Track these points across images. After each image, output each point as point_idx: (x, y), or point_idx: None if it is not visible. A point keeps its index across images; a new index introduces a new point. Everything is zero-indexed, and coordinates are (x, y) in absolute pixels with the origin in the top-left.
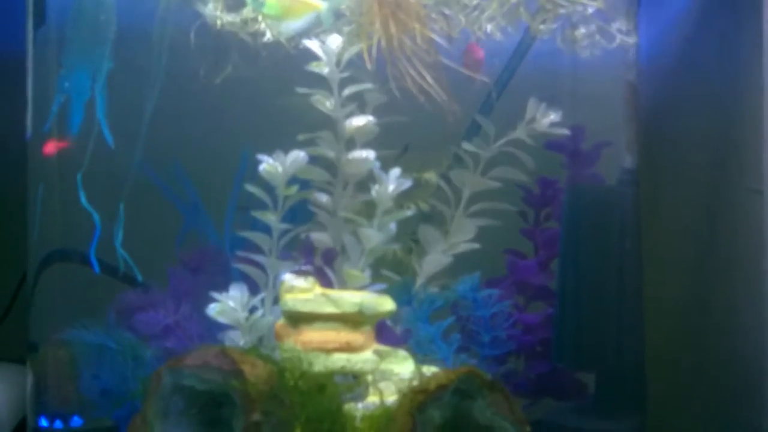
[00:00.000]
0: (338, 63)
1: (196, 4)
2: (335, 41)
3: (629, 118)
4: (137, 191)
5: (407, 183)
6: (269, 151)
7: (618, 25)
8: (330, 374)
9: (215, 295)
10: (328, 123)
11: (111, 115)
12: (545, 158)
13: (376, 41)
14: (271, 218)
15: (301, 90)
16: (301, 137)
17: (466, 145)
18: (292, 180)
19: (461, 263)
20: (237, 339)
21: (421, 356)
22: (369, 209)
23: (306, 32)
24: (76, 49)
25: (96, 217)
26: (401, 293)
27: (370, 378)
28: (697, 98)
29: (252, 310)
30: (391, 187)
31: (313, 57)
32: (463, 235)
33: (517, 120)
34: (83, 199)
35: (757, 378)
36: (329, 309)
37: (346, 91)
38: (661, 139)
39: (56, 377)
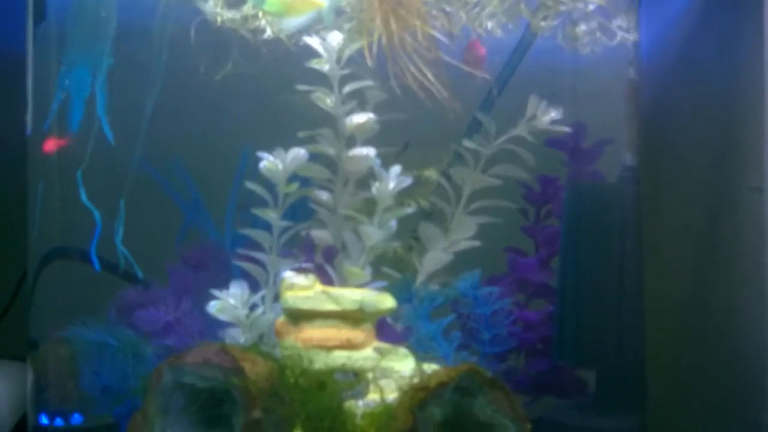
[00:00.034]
0: (339, 60)
1: (196, 0)
2: (336, 38)
3: (630, 115)
4: (138, 188)
5: (408, 180)
6: (270, 149)
7: (619, 22)
8: (330, 371)
9: (216, 292)
10: (329, 120)
11: (111, 112)
12: (546, 155)
13: (376, 38)
14: (271, 215)
15: (301, 87)
16: (301, 134)
17: (467, 143)
18: (293, 177)
19: (462, 261)
20: (237, 336)
21: (421, 354)
22: (369, 207)
23: (306, 29)
24: (77, 46)
25: (96, 214)
26: (402, 291)
27: (370, 375)
28: (698, 96)
29: (252, 308)
30: (391, 185)
31: (313, 54)
32: (463, 233)
33: (518, 117)
34: (83, 197)
35: (757, 376)
36: (330, 306)
37: (347, 89)
38: (661, 137)
39: (57, 374)
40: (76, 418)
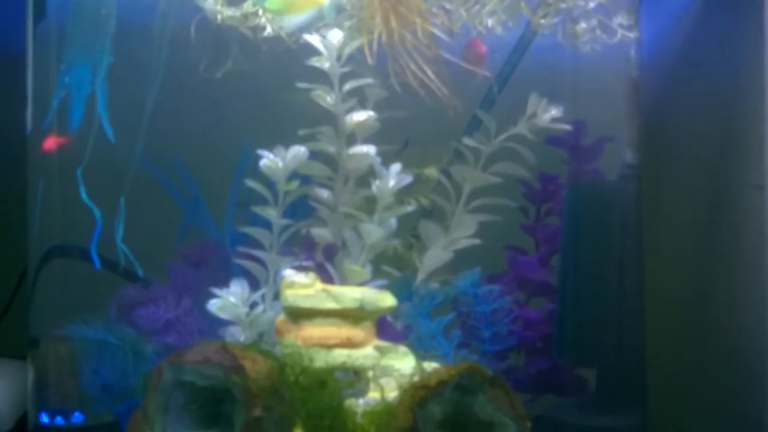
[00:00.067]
0: (339, 58)
1: None
2: (336, 36)
3: (630, 113)
4: (138, 186)
5: (408, 178)
6: (270, 146)
7: (619, 20)
8: (331, 370)
9: (216, 290)
10: (329, 118)
11: (111, 110)
12: (546, 153)
13: (376, 36)
14: (271, 214)
15: (301, 85)
16: (301, 132)
17: (467, 141)
18: (293, 175)
19: (462, 259)
20: (237, 335)
21: (421, 352)
22: (370, 205)
23: (307, 27)
24: (77, 43)
25: (96, 212)
26: (402, 289)
27: (370, 374)
28: (699, 94)
29: (252, 306)
30: (391, 183)
31: (313, 52)
32: (463, 231)
33: (518, 115)
34: (83, 195)
35: (758, 374)
36: (330, 305)
37: (347, 86)
38: (662, 135)
39: (57, 373)
40: (77, 417)
